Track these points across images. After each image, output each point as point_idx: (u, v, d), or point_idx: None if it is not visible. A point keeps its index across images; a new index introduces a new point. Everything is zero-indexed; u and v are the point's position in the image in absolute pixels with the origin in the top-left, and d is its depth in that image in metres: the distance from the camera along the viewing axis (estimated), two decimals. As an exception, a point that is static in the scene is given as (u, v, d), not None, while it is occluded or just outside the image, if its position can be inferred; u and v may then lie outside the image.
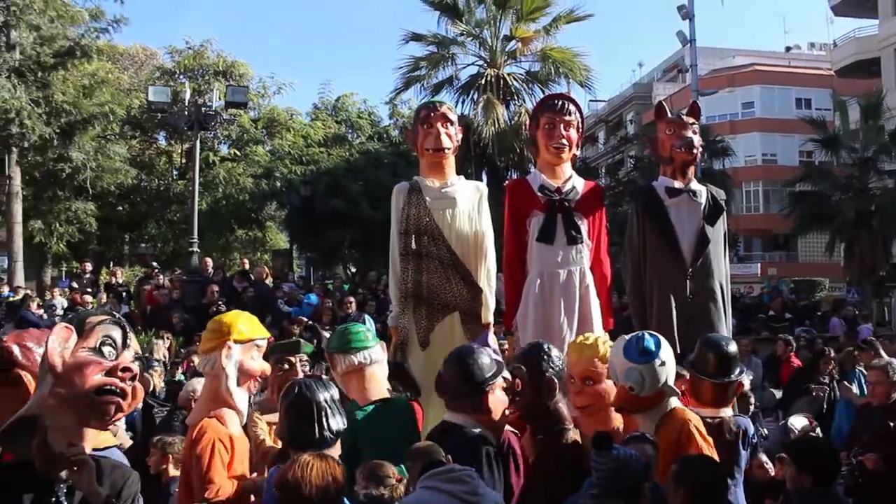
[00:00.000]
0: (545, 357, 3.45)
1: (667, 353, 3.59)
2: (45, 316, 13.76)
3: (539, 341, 3.93)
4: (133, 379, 2.42)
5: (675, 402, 3.63)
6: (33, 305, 13.88)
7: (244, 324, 3.43)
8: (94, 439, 2.49)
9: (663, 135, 5.58)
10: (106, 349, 2.39)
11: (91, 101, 22.44)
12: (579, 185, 5.21)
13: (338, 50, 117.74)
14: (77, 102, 21.68)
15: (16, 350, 2.61)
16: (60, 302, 14.88)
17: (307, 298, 14.82)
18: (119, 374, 2.38)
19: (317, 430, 3.04)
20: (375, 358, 3.96)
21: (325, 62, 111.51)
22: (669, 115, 5.67)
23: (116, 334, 2.45)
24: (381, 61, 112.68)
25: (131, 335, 2.53)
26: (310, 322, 12.29)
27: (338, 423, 3.11)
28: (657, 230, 5.46)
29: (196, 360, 9.91)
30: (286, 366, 4.16)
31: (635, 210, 5.69)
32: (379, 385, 3.94)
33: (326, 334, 10.41)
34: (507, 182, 20.85)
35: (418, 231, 5.03)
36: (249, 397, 3.56)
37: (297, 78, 62.67)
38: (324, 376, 3.87)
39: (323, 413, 3.07)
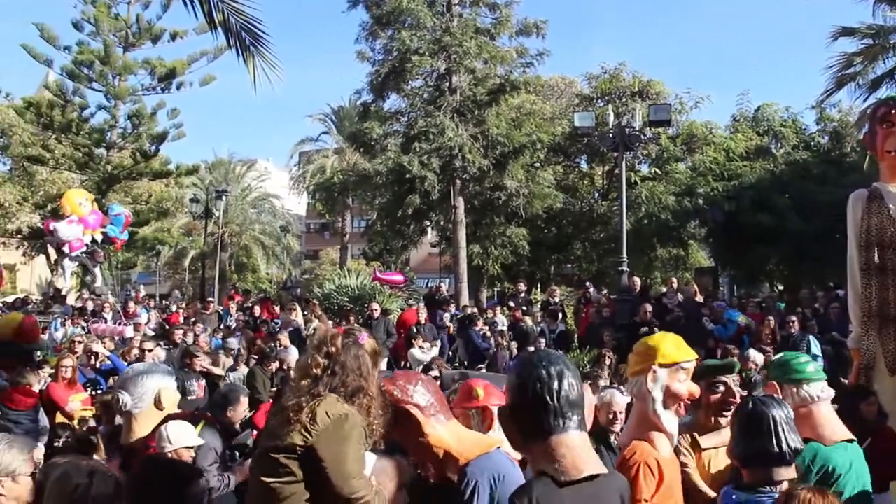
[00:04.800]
0: None
1: None
2: (489, 333, 15.01)
3: None
4: None
5: None
6: (480, 323, 15.18)
7: (670, 346, 3.31)
8: None
9: None
10: None
11: (520, 132, 24.40)
12: None
13: (753, 57, 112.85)
14: (509, 134, 23.74)
15: (396, 391, 3.04)
16: (501, 319, 16.15)
17: (728, 315, 14.26)
18: None
19: (774, 444, 2.90)
20: (828, 394, 3.61)
21: (741, 71, 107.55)
22: None
23: None
24: (802, 65, 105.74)
25: None
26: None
27: (795, 441, 2.95)
28: None
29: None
30: (721, 387, 3.89)
31: None
32: (835, 422, 3.56)
33: (756, 356, 9.93)
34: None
35: (881, 243, 4.60)
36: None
37: (712, 90, 61.20)
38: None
39: (780, 428, 2.93)
